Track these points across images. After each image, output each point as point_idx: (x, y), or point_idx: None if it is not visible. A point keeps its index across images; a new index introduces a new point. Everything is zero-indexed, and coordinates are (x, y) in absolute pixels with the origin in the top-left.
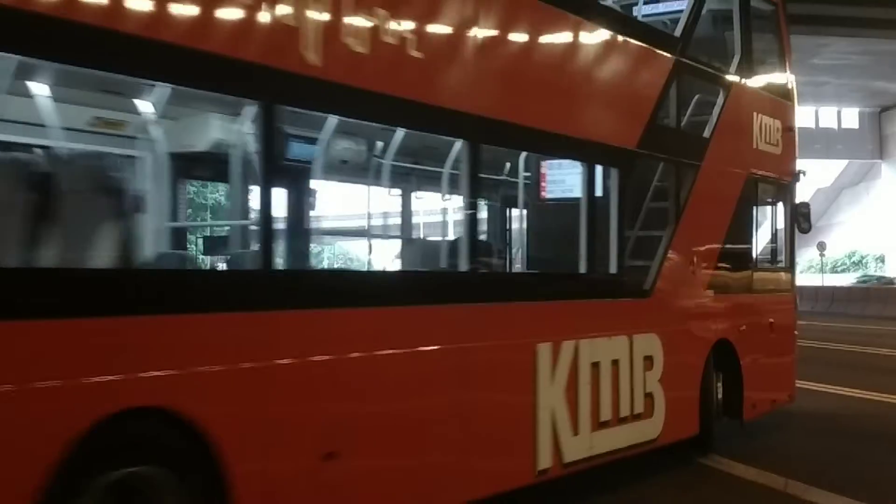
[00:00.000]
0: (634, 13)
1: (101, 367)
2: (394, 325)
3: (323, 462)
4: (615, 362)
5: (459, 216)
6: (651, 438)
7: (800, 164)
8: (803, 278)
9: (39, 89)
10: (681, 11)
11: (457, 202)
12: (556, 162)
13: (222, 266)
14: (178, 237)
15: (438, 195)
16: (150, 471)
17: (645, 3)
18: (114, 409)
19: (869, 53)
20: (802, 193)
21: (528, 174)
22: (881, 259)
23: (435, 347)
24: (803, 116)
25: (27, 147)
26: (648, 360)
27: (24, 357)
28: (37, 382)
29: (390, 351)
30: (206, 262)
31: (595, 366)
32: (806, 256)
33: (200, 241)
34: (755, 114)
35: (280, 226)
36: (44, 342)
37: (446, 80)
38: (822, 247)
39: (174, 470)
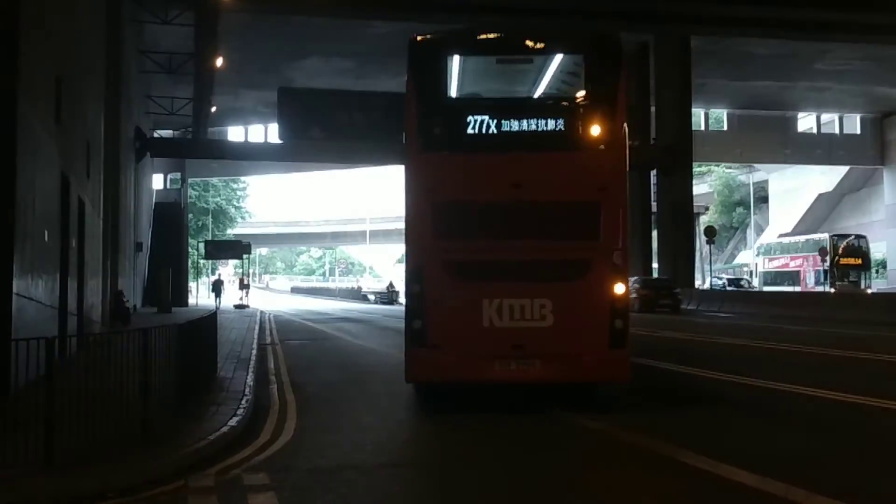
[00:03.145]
0: None
1: None
2: None
3: None
4: None
5: None
6: None
7: (801, 169)
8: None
9: None
10: None
11: None
12: None
13: None
14: None
15: None
16: None
17: None
18: None
19: (871, 59)
20: (805, 198)
21: None
22: (882, 265)
23: None
24: (805, 122)
25: None
26: None
27: None
28: None
29: None
30: None
31: None
32: None
33: None
34: None
35: None
36: None
37: None
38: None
39: None
